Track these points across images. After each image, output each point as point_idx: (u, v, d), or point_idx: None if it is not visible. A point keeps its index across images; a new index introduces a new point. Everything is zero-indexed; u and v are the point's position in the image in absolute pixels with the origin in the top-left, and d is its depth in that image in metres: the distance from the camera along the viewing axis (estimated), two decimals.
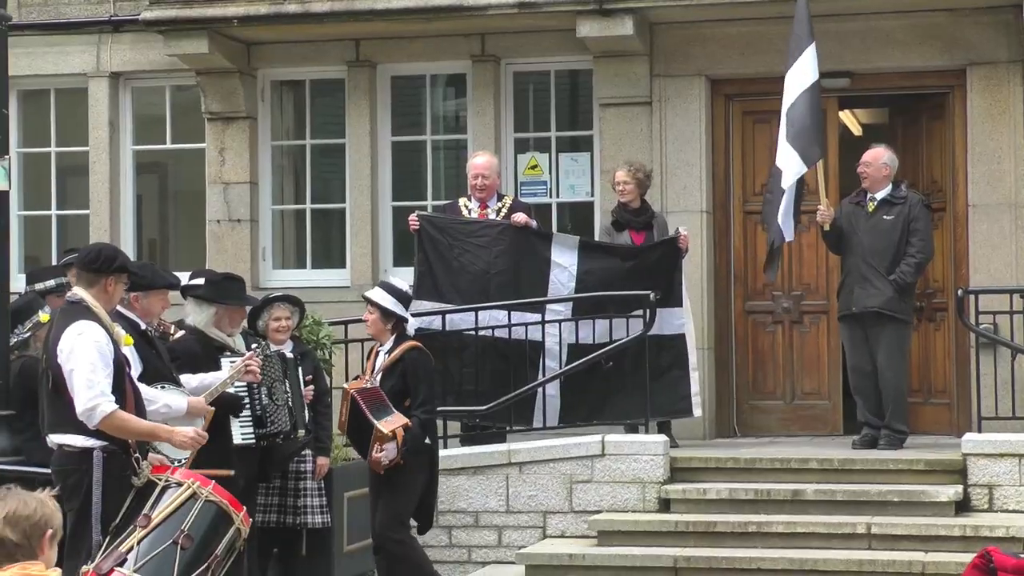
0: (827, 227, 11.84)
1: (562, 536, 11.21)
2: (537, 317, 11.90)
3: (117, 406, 7.44)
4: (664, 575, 10.28)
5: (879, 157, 11.88)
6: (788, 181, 11.53)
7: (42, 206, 14.79)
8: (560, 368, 11.87)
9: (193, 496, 7.36)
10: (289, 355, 9.90)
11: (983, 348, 12.10)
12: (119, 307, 8.19)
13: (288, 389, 9.68)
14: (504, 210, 12.17)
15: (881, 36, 13.03)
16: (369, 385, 9.58)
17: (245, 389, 9.37)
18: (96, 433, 7.46)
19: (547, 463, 11.31)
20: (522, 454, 11.37)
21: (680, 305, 11.97)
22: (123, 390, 7.56)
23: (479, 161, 12.26)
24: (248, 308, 9.97)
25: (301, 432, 9.78)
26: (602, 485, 11.19)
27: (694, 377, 12.00)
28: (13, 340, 9.40)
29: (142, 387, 7.96)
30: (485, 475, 11.35)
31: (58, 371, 7.50)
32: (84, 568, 7.27)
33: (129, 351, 8.05)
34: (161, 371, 8.35)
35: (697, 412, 12.01)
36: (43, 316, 9.27)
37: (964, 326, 11.98)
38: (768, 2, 12.63)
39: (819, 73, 11.66)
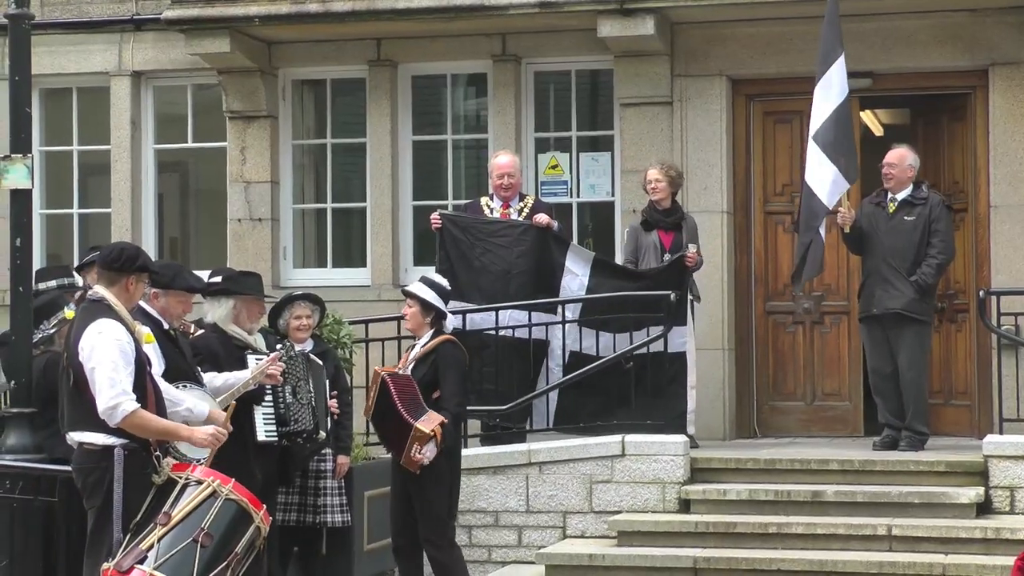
0: (847, 229, 11.82)
1: (582, 536, 11.21)
2: (554, 317, 11.91)
3: (139, 405, 7.47)
4: None
5: (905, 158, 11.85)
6: (832, 200, 11.45)
7: (64, 204, 14.83)
8: (560, 372, 11.87)
9: (213, 494, 7.38)
10: (317, 360, 9.92)
11: (1005, 349, 12.07)
12: (142, 303, 8.23)
13: (312, 389, 9.70)
14: (526, 210, 12.16)
15: (903, 36, 13.01)
16: (401, 372, 9.59)
17: (269, 386, 9.38)
18: (117, 431, 7.49)
19: (567, 463, 11.31)
20: (542, 454, 11.37)
21: (684, 324, 11.92)
22: (144, 388, 7.59)
23: (504, 161, 12.22)
24: (265, 300, 9.97)
25: (322, 434, 9.79)
26: (622, 485, 11.19)
27: (691, 395, 11.94)
28: (38, 336, 9.43)
29: (168, 387, 7.99)
30: (505, 475, 11.35)
31: (79, 369, 7.53)
32: (105, 566, 7.30)
33: (152, 349, 8.08)
34: (184, 369, 8.38)
35: (691, 430, 11.95)
36: (68, 312, 9.30)
37: (986, 327, 11.95)
38: (789, 2, 12.62)
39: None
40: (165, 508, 7.33)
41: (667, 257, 12.04)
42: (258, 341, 9.66)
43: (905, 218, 11.73)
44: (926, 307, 11.72)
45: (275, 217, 14.16)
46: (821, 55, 11.54)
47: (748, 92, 13.46)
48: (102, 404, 7.42)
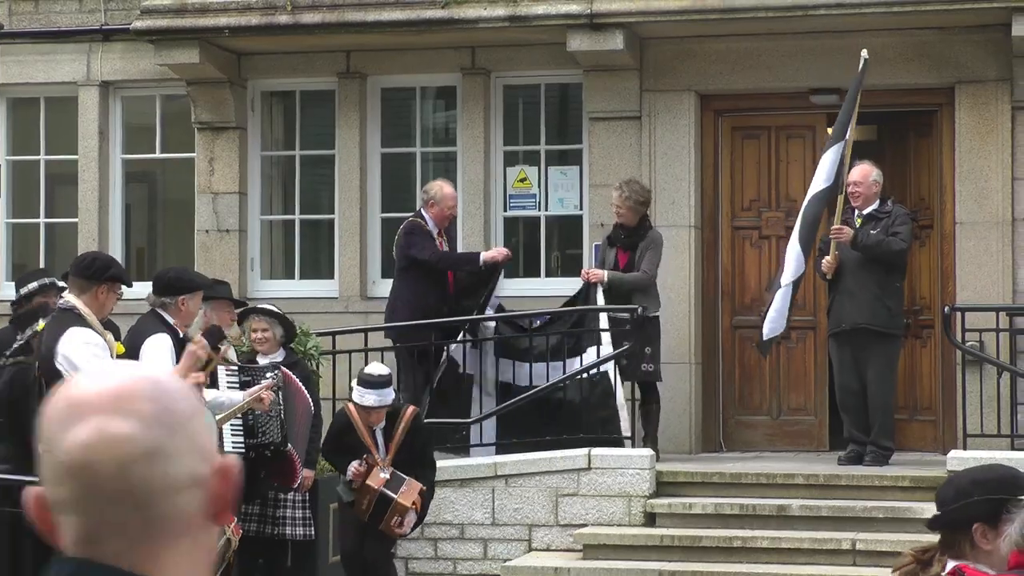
0: (830, 276, 11.85)
1: (547, 550, 11.21)
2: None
3: None
4: None
5: (868, 174, 11.91)
6: (787, 279, 11.49)
7: (30, 214, 14.77)
8: (495, 401, 12.00)
9: None
10: (299, 384, 9.96)
11: (969, 365, 12.13)
12: (161, 311, 8.35)
13: (280, 402, 9.68)
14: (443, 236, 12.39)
15: (870, 53, 13.05)
16: (389, 475, 9.68)
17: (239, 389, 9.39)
18: None
19: (533, 476, 11.31)
20: (508, 467, 11.37)
21: (593, 345, 11.89)
22: None
23: (453, 191, 12.46)
24: (234, 306, 10.01)
25: (289, 446, 9.78)
26: (588, 499, 11.20)
27: (623, 415, 11.84)
28: (16, 345, 9.41)
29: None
30: (471, 487, 11.35)
31: (56, 377, 7.50)
32: None
33: (170, 355, 8.17)
34: None
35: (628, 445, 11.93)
36: (40, 324, 9.29)
37: (950, 343, 12.01)
38: (758, 19, 12.67)
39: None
40: None
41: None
42: (229, 352, 9.65)
43: (871, 232, 11.78)
44: (894, 322, 11.79)
45: (243, 228, 14.14)
46: (838, 126, 11.64)
47: (716, 107, 13.51)
48: None
